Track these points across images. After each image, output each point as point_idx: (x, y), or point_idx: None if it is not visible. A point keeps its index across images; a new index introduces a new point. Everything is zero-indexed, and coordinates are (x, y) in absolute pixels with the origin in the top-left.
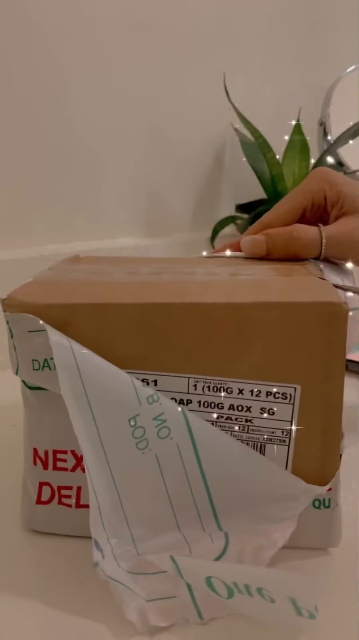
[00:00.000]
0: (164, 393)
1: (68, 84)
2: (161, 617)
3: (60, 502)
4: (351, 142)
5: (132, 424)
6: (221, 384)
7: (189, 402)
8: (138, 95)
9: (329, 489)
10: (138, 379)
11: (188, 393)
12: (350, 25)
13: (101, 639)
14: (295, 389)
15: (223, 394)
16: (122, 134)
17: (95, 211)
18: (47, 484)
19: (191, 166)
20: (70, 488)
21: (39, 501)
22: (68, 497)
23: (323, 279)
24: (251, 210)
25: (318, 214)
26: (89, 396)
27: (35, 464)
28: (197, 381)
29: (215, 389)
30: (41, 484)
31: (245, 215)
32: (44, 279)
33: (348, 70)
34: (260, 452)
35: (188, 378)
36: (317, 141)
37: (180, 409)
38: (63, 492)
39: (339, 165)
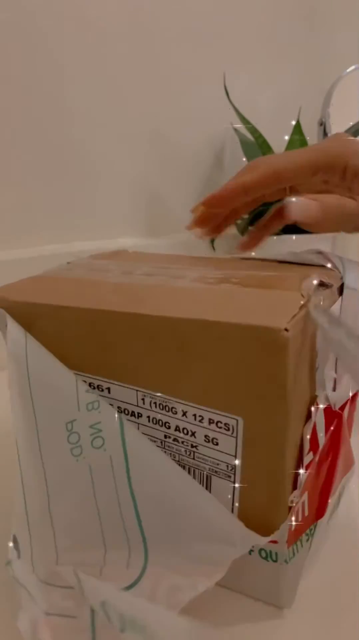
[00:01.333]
0: (116, 403)
1: (68, 85)
2: (51, 634)
3: None
4: None
5: (69, 428)
6: (166, 402)
7: (139, 415)
8: (138, 96)
9: (274, 542)
10: (92, 384)
11: (137, 406)
12: (350, 25)
13: None
14: (237, 421)
15: (168, 413)
16: (122, 133)
17: (95, 211)
18: None
19: (191, 166)
20: None
21: None
22: None
23: (304, 296)
24: (251, 210)
25: (328, 186)
26: (33, 393)
27: None
28: (145, 396)
29: (161, 407)
30: None
31: (245, 216)
32: (45, 275)
33: (348, 70)
34: (206, 484)
35: (136, 391)
36: (317, 141)
37: (118, 421)
38: None
39: None
